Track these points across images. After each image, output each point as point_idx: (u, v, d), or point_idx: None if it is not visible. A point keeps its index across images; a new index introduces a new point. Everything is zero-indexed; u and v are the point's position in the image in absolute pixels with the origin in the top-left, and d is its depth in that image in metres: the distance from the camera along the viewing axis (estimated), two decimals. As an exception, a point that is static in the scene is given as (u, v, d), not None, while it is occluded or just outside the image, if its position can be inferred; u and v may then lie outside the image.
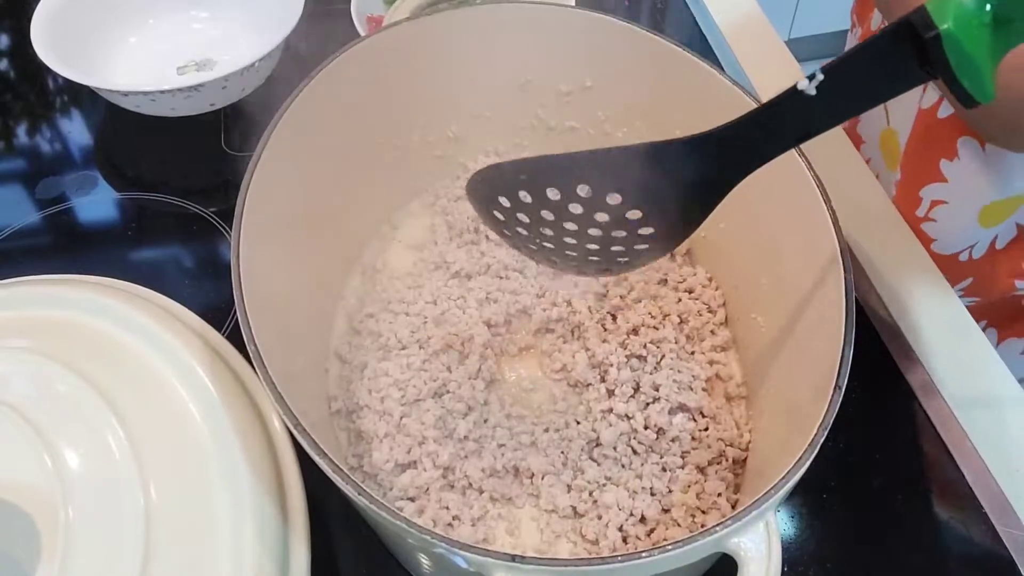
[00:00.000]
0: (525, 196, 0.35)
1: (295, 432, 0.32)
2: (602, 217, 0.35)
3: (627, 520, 0.42)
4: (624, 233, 0.35)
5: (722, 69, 0.45)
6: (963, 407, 0.49)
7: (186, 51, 0.68)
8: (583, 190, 0.35)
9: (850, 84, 0.29)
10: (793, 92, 0.29)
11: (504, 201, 0.36)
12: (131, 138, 0.66)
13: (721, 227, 0.50)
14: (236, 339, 0.38)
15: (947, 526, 0.45)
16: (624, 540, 0.41)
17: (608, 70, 0.50)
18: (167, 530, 0.33)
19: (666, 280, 0.51)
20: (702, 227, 0.52)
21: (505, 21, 0.49)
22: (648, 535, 0.42)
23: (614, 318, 0.49)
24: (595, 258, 0.37)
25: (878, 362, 0.51)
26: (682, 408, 0.46)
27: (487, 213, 0.37)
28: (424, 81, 0.50)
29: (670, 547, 0.30)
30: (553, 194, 0.35)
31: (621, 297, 0.50)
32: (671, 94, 0.47)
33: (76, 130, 0.67)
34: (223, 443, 0.36)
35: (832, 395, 0.33)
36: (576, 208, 0.35)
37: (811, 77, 0.29)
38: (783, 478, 0.31)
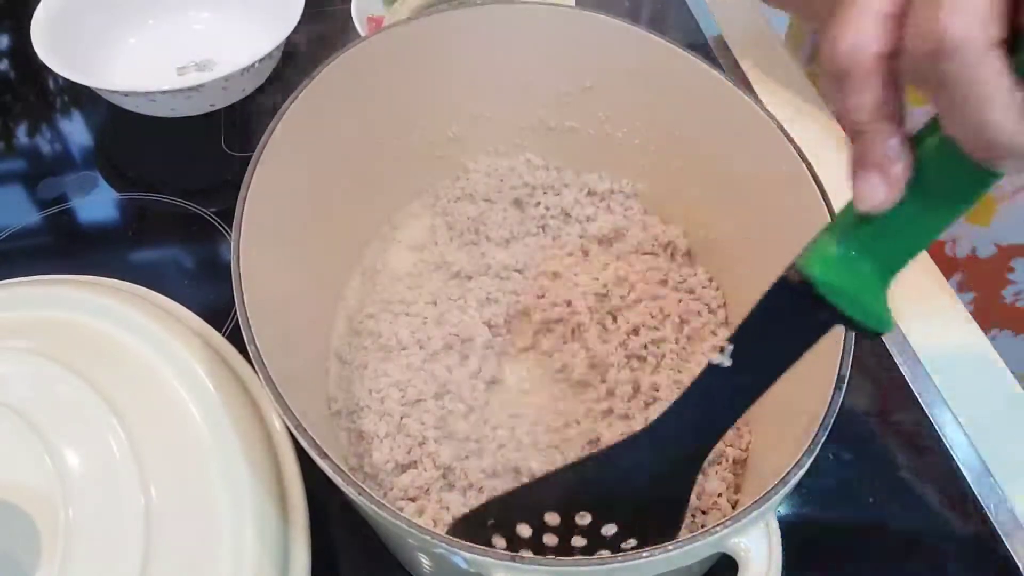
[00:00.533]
0: (498, 540, 0.35)
1: (295, 432, 0.32)
2: (579, 541, 0.35)
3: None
4: (608, 552, 0.34)
5: (722, 69, 0.45)
6: (963, 407, 0.49)
7: (186, 51, 0.68)
8: (551, 519, 0.35)
9: (762, 345, 0.29)
10: (710, 368, 0.29)
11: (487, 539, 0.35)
12: (131, 138, 0.66)
13: (721, 228, 0.50)
14: (236, 339, 0.38)
15: (946, 526, 0.45)
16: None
17: (608, 70, 0.50)
18: (167, 530, 0.33)
19: (666, 280, 0.51)
20: (703, 227, 0.52)
21: (505, 21, 0.49)
22: (648, 535, 0.42)
23: (614, 318, 0.49)
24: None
25: (878, 362, 0.51)
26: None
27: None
28: (424, 81, 0.50)
29: (670, 547, 0.30)
30: (524, 530, 0.35)
31: (621, 297, 0.49)
32: (671, 95, 0.47)
33: (76, 130, 0.67)
34: (223, 443, 0.36)
35: (832, 395, 0.33)
36: (551, 539, 0.35)
37: (721, 349, 0.29)
38: (783, 478, 0.31)
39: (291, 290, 0.43)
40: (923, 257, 0.57)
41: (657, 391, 0.46)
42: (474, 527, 0.35)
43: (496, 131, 0.54)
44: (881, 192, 0.24)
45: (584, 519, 0.34)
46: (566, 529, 0.35)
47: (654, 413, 0.44)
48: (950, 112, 0.22)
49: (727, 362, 0.29)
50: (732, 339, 0.29)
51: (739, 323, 0.29)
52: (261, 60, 0.61)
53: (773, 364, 0.29)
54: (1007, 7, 0.21)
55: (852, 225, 0.25)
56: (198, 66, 0.67)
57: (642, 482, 0.33)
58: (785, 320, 0.28)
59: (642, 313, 0.49)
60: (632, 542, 0.34)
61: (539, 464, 0.43)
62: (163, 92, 0.59)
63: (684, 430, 0.32)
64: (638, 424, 0.44)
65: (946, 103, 0.22)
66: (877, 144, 0.24)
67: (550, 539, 0.34)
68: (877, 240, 0.25)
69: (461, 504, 0.42)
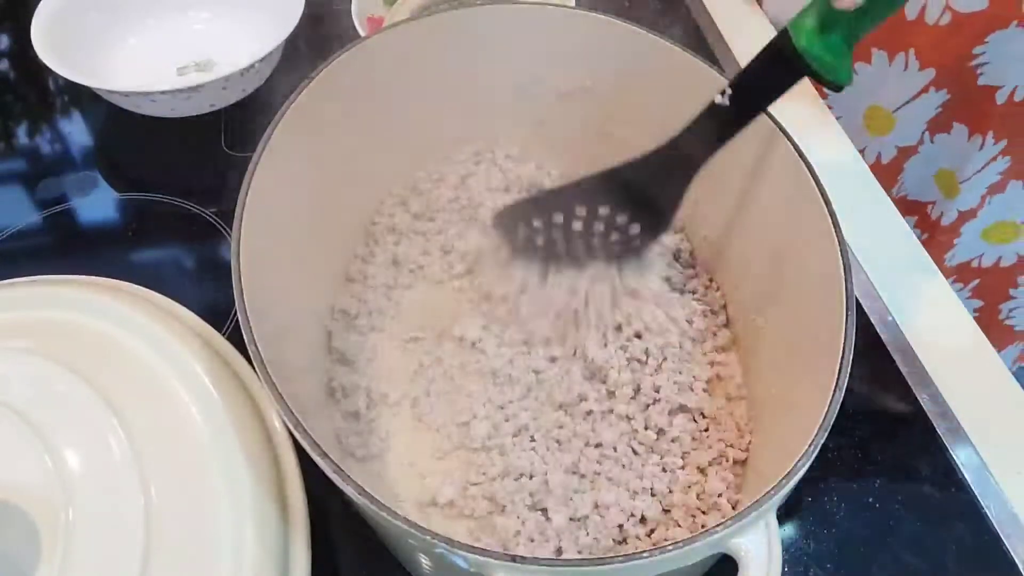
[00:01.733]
0: (537, 223, 0.45)
1: (295, 432, 0.32)
2: (599, 227, 0.45)
3: (627, 520, 0.41)
4: (619, 235, 0.45)
5: (721, 69, 0.45)
6: (963, 407, 0.49)
7: (186, 51, 0.68)
8: (580, 210, 0.45)
9: (749, 92, 0.39)
10: (712, 105, 0.39)
11: (523, 229, 0.45)
12: (131, 139, 0.66)
13: (722, 229, 0.50)
14: (236, 339, 0.38)
15: (947, 526, 0.45)
16: (624, 540, 0.41)
17: (608, 70, 0.50)
18: (167, 530, 0.33)
19: (669, 279, 0.51)
20: (703, 227, 0.52)
21: (505, 21, 0.49)
22: (648, 535, 0.42)
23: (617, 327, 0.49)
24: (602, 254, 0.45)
25: (878, 362, 0.51)
26: (683, 409, 0.46)
27: (511, 240, 0.46)
28: (424, 81, 0.50)
29: (670, 547, 0.30)
30: (558, 218, 0.45)
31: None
32: (671, 94, 0.47)
33: (76, 131, 0.67)
34: (223, 443, 0.36)
35: (832, 395, 0.33)
36: (577, 224, 0.45)
37: (723, 93, 0.39)
38: (783, 478, 0.31)
39: (291, 289, 0.43)
40: (922, 256, 0.57)
41: (658, 392, 0.46)
42: (516, 213, 0.46)
43: (496, 131, 0.54)
44: None
45: (605, 210, 0.44)
46: (587, 223, 0.45)
47: (655, 414, 0.45)
48: None
49: (726, 102, 0.39)
50: (731, 84, 0.39)
51: (735, 74, 0.39)
52: (261, 60, 0.61)
53: (756, 104, 0.39)
54: None
55: (827, 6, 0.35)
56: (198, 66, 0.67)
57: (648, 187, 0.43)
58: (772, 75, 0.38)
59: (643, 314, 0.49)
60: (637, 227, 0.45)
61: (540, 465, 0.43)
62: (163, 92, 0.59)
63: (682, 153, 0.41)
64: (639, 425, 0.45)
65: None
66: None
67: (576, 224, 0.45)
68: (846, 19, 0.35)
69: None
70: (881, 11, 0.35)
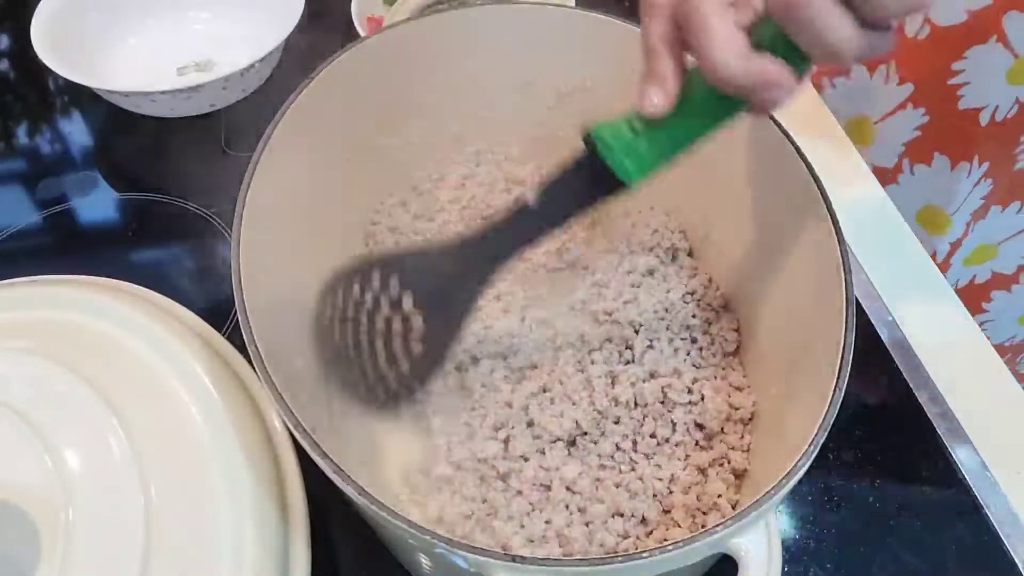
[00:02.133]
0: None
1: (295, 432, 0.32)
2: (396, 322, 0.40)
3: (627, 521, 0.41)
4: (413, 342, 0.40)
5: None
6: (963, 407, 0.49)
7: (186, 51, 0.68)
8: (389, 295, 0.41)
9: (560, 195, 0.37)
10: (518, 207, 0.38)
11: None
12: (131, 139, 0.66)
13: (722, 228, 0.50)
14: (236, 339, 0.38)
15: (947, 526, 0.45)
16: (624, 540, 0.41)
17: (608, 70, 0.49)
18: (167, 530, 0.33)
19: (670, 279, 0.51)
20: (703, 228, 0.52)
21: (505, 21, 0.49)
22: (648, 535, 0.42)
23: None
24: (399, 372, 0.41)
25: (878, 362, 0.51)
26: (683, 410, 0.46)
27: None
28: (424, 81, 0.50)
29: (670, 547, 0.30)
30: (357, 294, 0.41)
31: (625, 302, 0.49)
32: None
33: (76, 131, 0.67)
34: (223, 443, 0.36)
35: (832, 395, 0.33)
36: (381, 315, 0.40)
37: (535, 192, 0.37)
38: (783, 479, 0.31)
39: (291, 289, 0.43)
40: (922, 256, 0.57)
41: (658, 393, 0.46)
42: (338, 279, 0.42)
43: (496, 131, 0.54)
44: (659, 99, 0.33)
45: (408, 299, 0.40)
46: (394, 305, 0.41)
47: (655, 415, 0.45)
48: (696, 50, 0.31)
49: (534, 203, 0.37)
50: (540, 186, 0.37)
51: (546, 177, 0.37)
52: (261, 60, 0.61)
53: (566, 210, 0.38)
54: None
55: (638, 119, 0.34)
56: (198, 66, 0.67)
57: (450, 276, 0.40)
58: (579, 178, 0.36)
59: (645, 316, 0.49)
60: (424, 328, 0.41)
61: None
62: (163, 92, 0.59)
63: (484, 250, 0.39)
64: (639, 425, 0.45)
65: (692, 43, 0.31)
66: (660, 63, 0.33)
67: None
68: (653, 132, 0.34)
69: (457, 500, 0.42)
70: (685, 132, 0.34)
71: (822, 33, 0.28)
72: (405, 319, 0.40)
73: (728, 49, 0.30)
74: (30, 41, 0.61)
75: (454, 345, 0.41)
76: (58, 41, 0.62)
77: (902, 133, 0.63)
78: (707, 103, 0.33)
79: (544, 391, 0.46)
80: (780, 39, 0.29)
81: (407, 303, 0.40)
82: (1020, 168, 0.63)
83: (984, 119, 0.60)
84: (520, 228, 0.38)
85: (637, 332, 0.48)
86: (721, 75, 0.30)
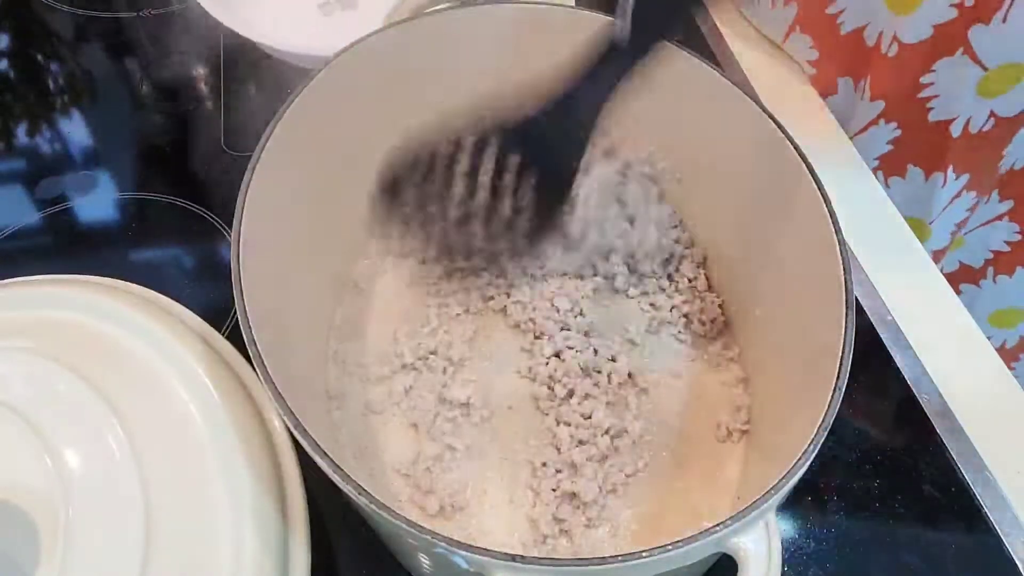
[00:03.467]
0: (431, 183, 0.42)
1: (295, 432, 0.32)
2: (508, 185, 0.41)
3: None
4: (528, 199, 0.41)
5: (722, 69, 0.45)
6: (963, 407, 0.49)
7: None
8: (488, 162, 0.41)
9: (647, 18, 0.37)
10: (609, 44, 0.38)
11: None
12: (131, 138, 0.66)
13: (722, 229, 0.50)
14: (236, 339, 0.38)
15: (947, 526, 0.45)
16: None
17: (608, 70, 0.49)
18: (167, 530, 0.33)
19: (670, 277, 0.51)
20: (702, 227, 0.52)
21: (506, 21, 0.49)
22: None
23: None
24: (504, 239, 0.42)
25: (878, 362, 0.51)
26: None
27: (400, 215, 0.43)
28: (424, 81, 0.50)
29: (670, 547, 0.30)
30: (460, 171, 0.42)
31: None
32: (671, 93, 0.47)
33: (76, 130, 0.67)
34: (223, 443, 0.36)
35: (832, 395, 0.33)
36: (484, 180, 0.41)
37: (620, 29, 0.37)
38: (783, 478, 0.31)
39: (291, 290, 0.43)
40: (922, 256, 0.57)
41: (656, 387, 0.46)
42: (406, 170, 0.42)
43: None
44: None
45: (515, 160, 0.41)
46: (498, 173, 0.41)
47: (646, 404, 0.45)
48: None
49: (625, 35, 0.37)
50: (628, 16, 0.37)
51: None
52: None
53: (654, 33, 0.38)
54: None
55: None
56: (341, 2, 0.66)
57: (551, 143, 0.41)
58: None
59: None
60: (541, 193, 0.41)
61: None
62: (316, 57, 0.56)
63: (580, 95, 0.40)
64: (630, 415, 0.45)
65: None
66: None
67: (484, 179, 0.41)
68: None
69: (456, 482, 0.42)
70: None
71: None
72: (516, 178, 0.41)
73: None
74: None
75: (566, 204, 0.43)
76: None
77: (876, 148, 0.64)
78: None
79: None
80: None
81: (513, 161, 0.41)
82: (1003, 174, 0.63)
83: (956, 131, 0.60)
84: (613, 66, 0.39)
85: (635, 342, 0.48)
86: None
